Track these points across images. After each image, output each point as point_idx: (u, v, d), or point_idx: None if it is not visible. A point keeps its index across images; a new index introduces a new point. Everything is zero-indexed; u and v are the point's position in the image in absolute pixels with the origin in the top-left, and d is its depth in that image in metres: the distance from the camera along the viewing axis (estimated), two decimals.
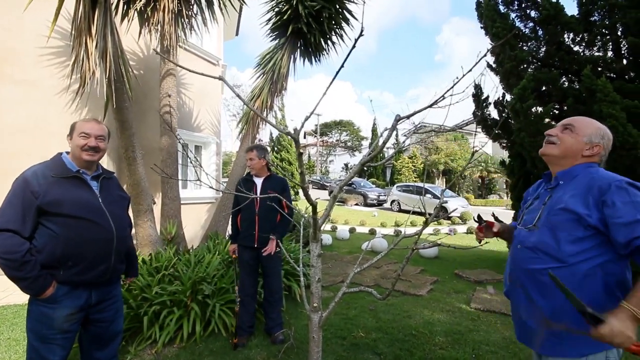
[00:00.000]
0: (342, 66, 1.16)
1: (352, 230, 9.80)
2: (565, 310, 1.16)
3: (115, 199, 1.77)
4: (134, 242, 4.09)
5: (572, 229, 1.19)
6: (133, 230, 4.08)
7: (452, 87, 1.45)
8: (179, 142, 2.07)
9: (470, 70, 1.45)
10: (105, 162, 4.42)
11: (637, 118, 3.69)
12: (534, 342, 1.28)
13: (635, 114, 3.68)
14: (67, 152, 1.71)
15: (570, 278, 1.16)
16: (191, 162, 1.77)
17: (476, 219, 1.63)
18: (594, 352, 1.15)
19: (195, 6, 4.14)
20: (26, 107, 3.87)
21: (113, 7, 3.69)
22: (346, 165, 41.89)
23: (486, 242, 1.57)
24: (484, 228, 1.59)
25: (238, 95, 1.13)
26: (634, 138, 3.43)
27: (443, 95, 1.54)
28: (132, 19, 3.76)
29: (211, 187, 1.71)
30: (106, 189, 1.75)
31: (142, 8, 3.50)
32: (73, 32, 2.75)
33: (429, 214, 1.61)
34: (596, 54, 4.70)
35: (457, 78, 1.50)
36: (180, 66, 1.39)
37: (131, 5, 3.58)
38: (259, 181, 2.98)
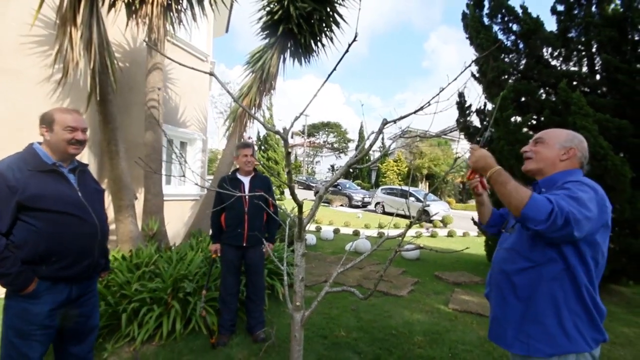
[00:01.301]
0: (334, 69, 1.19)
1: (336, 231, 9.87)
2: (538, 313, 1.22)
3: (92, 192, 1.75)
4: (114, 237, 4.00)
5: (538, 234, 1.22)
6: (112, 226, 4.00)
7: (438, 94, 1.51)
8: (165, 137, 2.03)
9: (455, 79, 1.51)
10: (86, 156, 4.29)
11: (608, 131, 3.91)
12: (504, 341, 1.32)
13: (606, 127, 3.90)
14: (40, 143, 1.65)
15: (536, 279, 1.22)
16: (177, 158, 1.75)
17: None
18: (562, 353, 1.19)
19: (185, 1, 4.09)
20: (5, 96, 3.72)
21: None
22: (332, 166, 42.09)
23: (471, 243, 1.64)
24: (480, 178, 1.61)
25: (229, 92, 1.15)
26: (604, 150, 3.63)
27: (429, 102, 1.61)
28: (119, 11, 3.68)
29: (196, 184, 1.71)
30: (83, 182, 1.72)
31: (130, 0, 3.43)
32: (57, 21, 2.67)
33: (412, 217, 1.67)
34: (572, 68, 4.94)
35: (441, 88, 1.56)
36: (171, 59, 1.39)
37: None
38: (246, 180, 2.98)
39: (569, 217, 1.08)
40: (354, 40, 1.05)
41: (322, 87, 1.37)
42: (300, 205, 1.53)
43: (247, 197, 2.85)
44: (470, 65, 1.62)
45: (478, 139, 1.22)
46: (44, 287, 1.55)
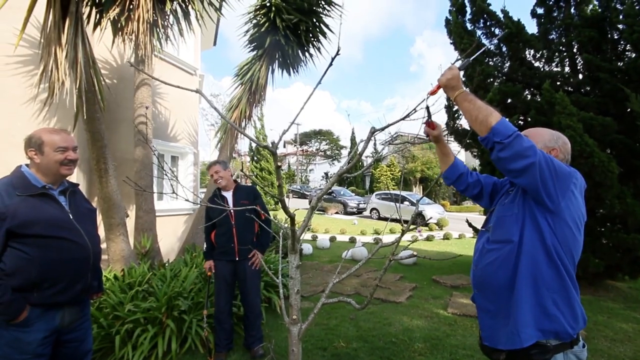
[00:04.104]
0: (318, 83, 1.20)
1: (332, 239, 9.82)
2: (519, 298, 1.19)
3: (84, 212, 1.72)
4: (106, 257, 3.92)
5: (511, 208, 1.27)
6: (103, 245, 3.93)
7: (422, 102, 1.53)
8: (154, 154, 2.00)
9: (422, 102, 1.54)
10: (76, 174, 4.23)
11: (592, 129, 3.99)
12: (497, 339, 1.28)
13: (591, 125, 3.98)
14: (27, 165, 1.61)
15: (516, 255, 1.22)
16: (166, 175, 1.73)
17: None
18: (546, 336, 1.17)
19: (171, 16, 4.10)
20: None
21: (85, 16, 3.60)
22: (326, 174, 42.13)
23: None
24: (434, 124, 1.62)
25: (215, 109, 1.14)
26: (590, 147, 3.70)
27: (415, 109, 1.63)
28: (105, 28, 3.67)
29: (187, 200, 1.69)
30: (74, 204, 1.68)
31: (116, 17, 3.43)
32: (42, 41, 2.65)
33: (405, 222, 1.67)
34: (555, 69, 5.06)
35: (428, 96, 1.58)
36: (155, 78, 1.38)
37: (104, 15, 3.50)
38: (228, 195, 2.95)
39: (534, 147, 1.12)
40: (337, 54, 1.06)
41: (310, 98, 1.38)
42: (292, 218, 1.51)
43: (232, 211, 2.82)
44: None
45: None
46: (36, 314, 1.51)
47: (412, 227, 1.79)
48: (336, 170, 1.61)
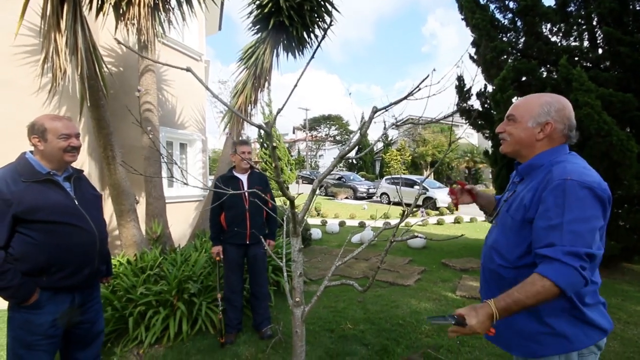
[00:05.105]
0: (312, 57, 1.15)
1: (342, 224, 9.86)
2: (530, 311, 1.07)
3: (89, 198, 1.74)
4: (119, 242, 4.03)
5: (521, 228, 1.11)
6: (116, 231, 4.02)
7: (425, 78, 1.46)
8: (150, 137, 2.01)
9: (457, 65, 1.46)
10: (87, 162, 4.30)
11: (611, 106, 3.80)
12: (501, 341, 1.23)
13: (610, 102, 3.79)
14: (31, 152, 1.63)
15: (519, 278, 1.09)
16: (175, 162, 1.74)
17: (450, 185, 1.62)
18: (563, 352, 1.09)
19: (173, 0, 4.03)
20: (1, 108, 3.73)
21: (87, 1, 3.57)
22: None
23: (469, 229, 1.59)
24: (458, 192, 1.54)
25: (207, 88, 1.12)
26: (609, 125, 3.53)
27: (418, 86, 1.55)
28: (107, 14, 3.64)
29: (195, 186, 1.70)
30: (79, 189, 1.70)
31: (117, 2, 3.39)
32: (42, 28, 2.64)
33: (408, 205, 1.63)
34: (573, 43, 4.80)
35: (434, 70, 1.51)
36: (148, 58, 1.36)
37: (105, 0, 3.47)
38: (244, 177, 2.96)
39: (583, 254, 0.96)
40: (330, 24, 1.00)
41: (305, 70, 1.33)
42: (292, 201, 1.50)
43: (247, 194, 2.84)
44: (462, 57, 1.57)
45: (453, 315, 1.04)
46: (46, 297, 1.55)
47: (415, 209, 1.75)
48: (345, 155, 1.57)
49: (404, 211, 1.47)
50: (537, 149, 1.18)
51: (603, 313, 1.14)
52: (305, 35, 5.18)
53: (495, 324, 1.01)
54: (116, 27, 3.73)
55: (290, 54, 5.43)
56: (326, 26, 5.22)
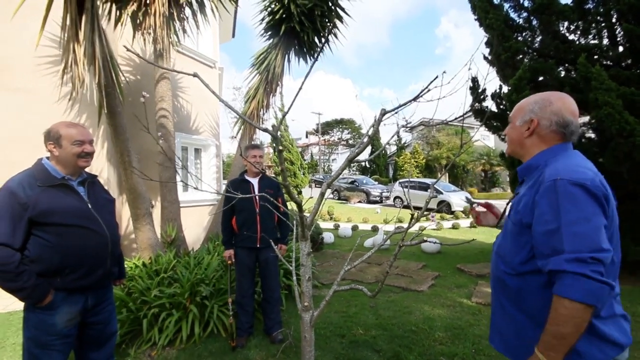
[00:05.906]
0: (316, 60, 1.15)
1: (354, 228, 9.79)
2: (539, 325, 1.02)
3: (103, 202, 1.79)
4: (135, 245, 4.13)
5: (520, 232, 1.07)
6: (132, 235, 4.12)
7: (434, 79, 1.44)
8: (158, 143, 2.07)
9: (467, 64, 1.44)
10: (106, 167, 4.45)
11: (634, 105, 3.64)
12: (510, 352, 1.17)
13: (632, 101, 3.63)
14: (47, 158, 1.70)
15: (525, 288, 1.06)
16: (184, 167, 1.79)
17: (467, 201, 1.60)
18: None
19: (187, 9, 4.14)
20: (24, 116, 3.91)
21: (106, 12, 3.71)
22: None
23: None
24: (481, 214, 1.50)
25: (213, 93, 1.13)
26: (631, 125, 3.38)
27: (427, 87, 1.53)
28: (125, 24, 3.78)
29: (205, 191, 1.73)
30: (93, 194, 1.76)
31: (134, 13, 3.51)
32: (62, 39, 2.76)
33: (418, 209, 1.60)
34: (592, 42, 4.64)
35: (444, 72, 1.49)
36: (159, 66, 1.40)
37: (123, 11, 3.60)
38: (255, 181, 2.98)
39: (588, 257, 0.89)
40: (334, 27, 1.00)
41: (310, 72, 1.34)
42: (299, 204, 1.50)
43: (257, 198, 2.86)
44: (472, 58, 1.54)
45: None
46: (60, 298, 1.60)
47: (426, 213, 1.72)
48: (357, 159, 1.57)
49: (412, 215, 1.44)
50: (529, 148, 1.14)
51: (621, 326, 1.04)
52: (317, 40, 5.22)
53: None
54: (133, 37, 3.87)
55: (301, 58, 5.48)
56: (338, 30, 5.25)
